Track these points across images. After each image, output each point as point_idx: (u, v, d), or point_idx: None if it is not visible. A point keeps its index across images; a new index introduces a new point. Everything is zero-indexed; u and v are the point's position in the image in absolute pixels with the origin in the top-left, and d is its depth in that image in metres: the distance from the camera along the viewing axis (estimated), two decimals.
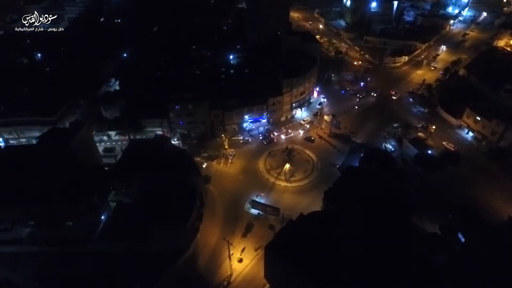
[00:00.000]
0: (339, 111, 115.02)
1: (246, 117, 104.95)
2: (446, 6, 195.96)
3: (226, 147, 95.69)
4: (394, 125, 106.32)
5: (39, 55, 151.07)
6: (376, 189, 67.37)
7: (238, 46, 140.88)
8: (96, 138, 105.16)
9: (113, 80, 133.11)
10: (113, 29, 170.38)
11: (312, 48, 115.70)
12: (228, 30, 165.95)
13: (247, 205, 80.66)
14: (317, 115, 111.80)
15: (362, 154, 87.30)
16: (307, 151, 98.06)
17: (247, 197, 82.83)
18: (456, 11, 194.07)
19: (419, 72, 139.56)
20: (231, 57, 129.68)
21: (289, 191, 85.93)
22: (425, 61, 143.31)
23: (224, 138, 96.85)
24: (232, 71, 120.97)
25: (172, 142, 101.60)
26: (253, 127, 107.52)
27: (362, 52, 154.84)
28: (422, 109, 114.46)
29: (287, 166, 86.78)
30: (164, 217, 66.97)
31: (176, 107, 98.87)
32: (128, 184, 76.48)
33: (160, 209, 67.56)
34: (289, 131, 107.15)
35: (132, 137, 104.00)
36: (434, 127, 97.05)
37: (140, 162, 75.28)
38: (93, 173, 75.69)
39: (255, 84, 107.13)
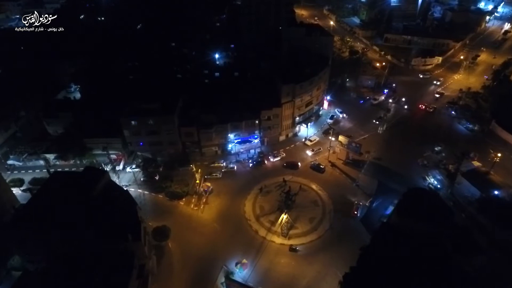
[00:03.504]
0: (357, 129, 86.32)
1: (231, 136, 76.85)
2: (477, 1, 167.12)
3: (198, 181, 67.33)
4: (436, 148, 77.04)
5: None
6: (437, 274, 38.52)
7: (232, 45, 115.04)
8: (29, 164, 78.59)
9: (73, 85, 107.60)
10: (92, 27, 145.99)
11: (321, 43, 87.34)
12: (222, 27, 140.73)
13: (221, 279, 51.92)
14: (328, 132, 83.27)
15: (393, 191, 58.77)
16: (314, 186, 69.14)
17: (224, 263, 54.29)
18: (490, 6, 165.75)
19: (457, 76, 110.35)
20: (217, 56, 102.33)
21: (287, 252, 56.99)
22: (464, 63, 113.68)
23: (193, 168, 68.53)
24: (217, 74, 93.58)
25: (129, 170, 74.59)
26: (242, 150, 79.35)
27: (383, 52, 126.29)
28: (470, 126, 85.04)
29: (284, 217, 57.75)
30: None
31: (132, 122, 71.36)
32: (32, 247, 48.71)
33: None
34: (318, 147, 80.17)
35: (78, 162, 77.69)
36: (499, 154, 66.83)
37: (54, 211, 47.63)
38: None
39: (245, 91, 79.58)
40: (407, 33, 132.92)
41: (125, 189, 68.75)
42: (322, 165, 74.06)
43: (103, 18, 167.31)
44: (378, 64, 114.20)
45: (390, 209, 61.21)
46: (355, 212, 61.97)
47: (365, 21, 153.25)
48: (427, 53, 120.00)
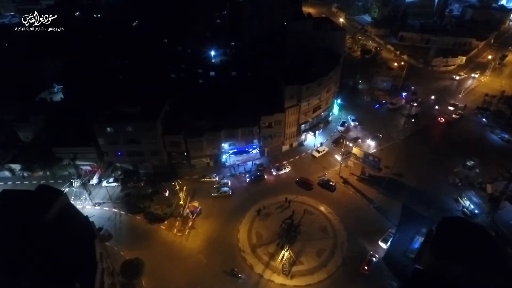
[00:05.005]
0: (372, 137, 74.58)
1: (226, 146, 65.56)
2: None
3: (181, 202, 56.04)
4: (468, 162, 64.91)
5: None
6: None
7: (233, 43, 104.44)
8: None
9: (56, 85, 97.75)
10: (87, 24, 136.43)
11: (332, 38, 75.84)
12: (223, 24, 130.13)
13: None
14: (339, 142, 71.81)
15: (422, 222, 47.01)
16: (323, 209, 57.45)
17: None
18: None
19: (484, 79, 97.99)
20: (213, 54, 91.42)
21: None
22: (492, 63, 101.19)
23: (176, 185, 57.22)
24: (212, 73, 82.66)
25: (106, 184, 63.60)
26: (238, 162, 68.06)
27: (398, 52, 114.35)
28: (505, 136, 72.92)
29: (286, 254, 46.03)
30: None
31: (108, 128, 60.44)
32: None
33: None
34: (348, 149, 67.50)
35: (48, 173, 66.99)
36: None
37: None
38: None
39: (244, 93, 68.56)
40: (425, 31, 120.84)
41: (96, 207, 59.26)
42: (333, 182, 62.26)
43: (99, 15, 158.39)
44: (396, 64, 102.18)
45: (418, 240, 49.42)
46: (366, 267, 47.44)
47: (376, 19, 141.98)
48: (448, 53, 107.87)
